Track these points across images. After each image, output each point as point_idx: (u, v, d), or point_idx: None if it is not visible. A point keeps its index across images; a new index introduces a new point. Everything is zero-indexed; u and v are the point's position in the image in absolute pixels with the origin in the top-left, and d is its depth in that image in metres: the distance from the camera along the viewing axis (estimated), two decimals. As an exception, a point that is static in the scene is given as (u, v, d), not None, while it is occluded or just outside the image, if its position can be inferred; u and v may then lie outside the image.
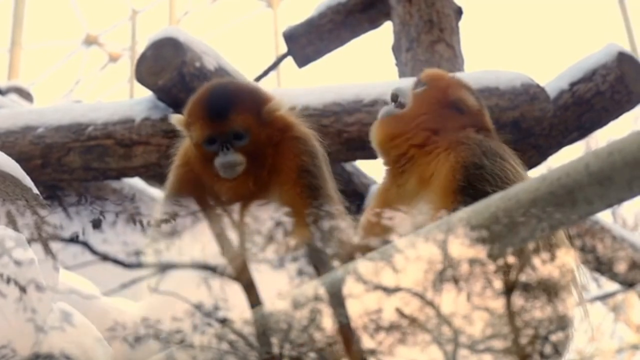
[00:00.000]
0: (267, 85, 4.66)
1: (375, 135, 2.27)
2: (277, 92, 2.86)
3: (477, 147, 2.11)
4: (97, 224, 1.57)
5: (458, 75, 3.55)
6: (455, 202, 1.95)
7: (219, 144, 2.18)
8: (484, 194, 1.95)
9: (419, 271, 1.35)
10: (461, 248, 1.34)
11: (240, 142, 2.19)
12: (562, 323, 1.61)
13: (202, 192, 2.21)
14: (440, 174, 2.10)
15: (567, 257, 1.86)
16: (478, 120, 2.26)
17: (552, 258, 1.47)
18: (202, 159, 2.22)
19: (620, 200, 1.24)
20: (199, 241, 1.57)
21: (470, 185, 2.02)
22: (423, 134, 2.20)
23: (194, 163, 2.27)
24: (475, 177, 2.03)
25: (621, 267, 5.16)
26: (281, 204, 2.13)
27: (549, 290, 1.43)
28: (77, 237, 1.50)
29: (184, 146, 2.35)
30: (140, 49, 3.68)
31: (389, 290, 1.36)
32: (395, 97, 2.29)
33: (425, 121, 2.22)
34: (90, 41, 11.58)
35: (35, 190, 2.10)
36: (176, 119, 2.30)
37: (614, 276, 5.30)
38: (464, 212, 1.40)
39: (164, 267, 1.52)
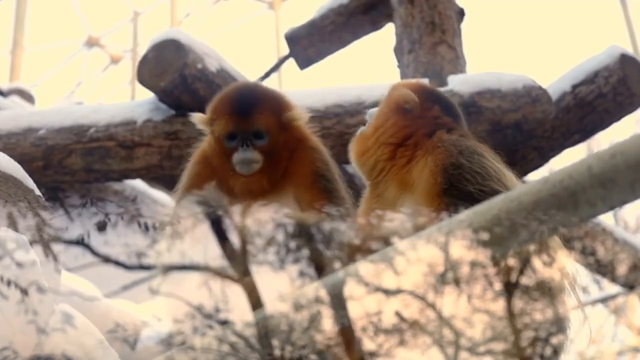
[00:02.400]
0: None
1: (350, 154, 2.38)
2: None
3: (452, 147, 2.14)
4: (102, 227, 1.57)
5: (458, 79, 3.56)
6: (441, 205, 1.98)
7: (240, 140, 2.30)
8: (467, 194, 2.00)
9: (421, 273, 1.35)
10: (464, 250, 1.34)
11: (260, 141, 2.31)
12: (559, 325, 1.61)
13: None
14: (422, 180, 2.14)
15: (564, 259, 1.86)
16: (430, 116, 2.29)
17: (549, 261, 1.47)
18: (221, 153, 2.33)
19: (622, 203, 1.24)
20: (201, 242, 1.57)
21: (453, 187, 2.05)
22: (386, 149, 2.28)
23: (212, 158, 2.37)
24: (455, 177, 2.06)
25: (622, 270, 5.16)
26: (298, 204, 2.27)
27: (545, 292, 1.43)
28: (82, 239, 1.50)
29: (201, 146, 2.45)
30: (142, 50, 3.69)
31: (390, 293, 1.36)
32: (370, 116, 2.39)
33: (382, 134, 2.30)
34: (91, 43, 11.59)
35: (37, 192, 2.11)
36: (197, 118, 2.41)
37: (615, 279, 5.30)
38: (466, 214, 1.40)
39: (168, 269, 1.52)
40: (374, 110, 2.40)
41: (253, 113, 2.32)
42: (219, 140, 2.34)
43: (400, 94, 2.33)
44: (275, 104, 2.38)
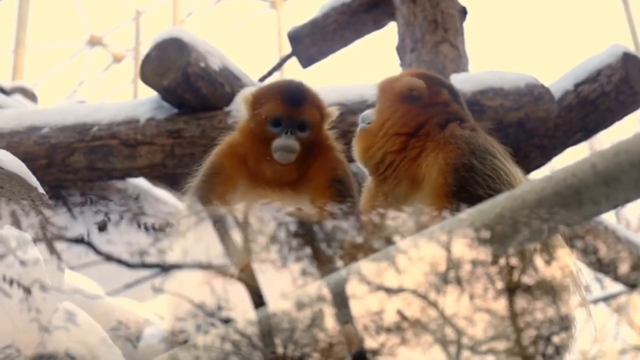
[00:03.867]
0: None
1: (354, 152, 2.37)
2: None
3: (465, 146, 2.10)
4: (102, 227, 1.57)
5: (461, 74, 3.56)
6: (449, 206, 1.95)
7: (284, 127, 2.31)
8: (477, 198, 1.96)
9: (425, 272, 1.35)
10: (467, 248, 1.33)
11: (303, 133, 2.33)
12: (563, 324, 1.61)
13: (234, 177, 2.33)
14: (431, 176, 2.09)
15: (567, 258, 1.85)
16: (441, 102, 2.27)
17: (552, 259, 1.46)
18: (261, 138, 2.32)
19: (626, 201, 1.24)
20: (209, 241, 1.57)
21: (463, 189, 2.02)
22: (397, 140, 2.25)
23: (247, 141, 2.37)
24: (466, 180, 2.03)
25: (624, 268, 5.15)
26: (313, 204, 2.28)
27: (549, 291, 1.43)
28: (83, 238, 1.50)
29: (226, 139, 2.45)
30: (144, 49, 3.69)
31: (394, 291, 1.36)
32: (363, 120, 2.38)
33: (391, 126, 2.27)
34: (93, 42, 11.59)
35: (41, 190, 2.11)
36: (243, 96, 2.44)
37: (617, 277, 5.29)
38: (469, 213, 1.39)
39: (170, 267, 1.52)
40: (369, 112, 2.36)
41: (303, 104, 2.35)
42: (261, 124, 2.33)
43: (404, 82, 2.29)
44: (319, 102, 2.44)
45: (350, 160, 2.55)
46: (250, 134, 2.37)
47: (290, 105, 2.33)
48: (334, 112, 2.46)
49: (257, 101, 2.38)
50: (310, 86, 2.51)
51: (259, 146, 2.32)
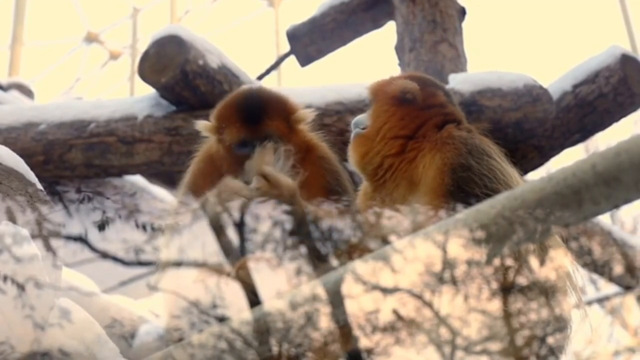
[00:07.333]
0: (268, 85, 4.65)
1: (350, 158, 2.33)
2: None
3: (462, 146, 2.10)
4: (102, 226, 1.57)
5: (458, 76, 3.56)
6: (446, 206, 1.94)
7: (252, 147, 2.22)
8: (473, 197, 1.96)
9: (422, 272, 1.34)
10: (465, 249, 1.33)
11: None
12: (559, 325, 1.61)
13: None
14: (428, 176, 2.09)
15: (563, 258, 1.85)
16: (438, 104, 2.26)
17: (549, 260, 1.46)
18: (232, 162, 2.26)
19: (627, 201, 1.23)
20: (200, 239, 1.56)
21: (459, 189, 2.02)
22: (395, 143, 2.23)
23: (221, 164, 2.31)
24: (463, 179, 2.03)
25: (619, 270, 5.16)
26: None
27: (546, 291, 1.43)
28: (79, 235, 1.50)
29: (205, 147, 2.41)
30: (141, 47, 3.69)
31: (392, 291, 1.36)
32: (357, 125, 2.34)
33: (389, 130, 2.25)
34: (91, 39, 11.58)
35: (39, 186, 2.10)
36: (202, 125, 2.37)
37: (612, 279, 5.29)
38: (469, 213, 1.39)
39: (167, 265, 1.52)
40: (362, 116, 2.34)
41: (263, 119, 2.29)
42: (228, 149, 2.30)
43: (397, 85, 2.28)
44: (282, 108, 2.37)
45: (343, 159, 2.54)
46: (222, 157, 2.33)
47: (250, 125, 2.28)
48: (307, 115, 2.40)
49: (218, 127, 2.34)
50: (269, 93, 2.45)
51: (234, 168, 2.25)
